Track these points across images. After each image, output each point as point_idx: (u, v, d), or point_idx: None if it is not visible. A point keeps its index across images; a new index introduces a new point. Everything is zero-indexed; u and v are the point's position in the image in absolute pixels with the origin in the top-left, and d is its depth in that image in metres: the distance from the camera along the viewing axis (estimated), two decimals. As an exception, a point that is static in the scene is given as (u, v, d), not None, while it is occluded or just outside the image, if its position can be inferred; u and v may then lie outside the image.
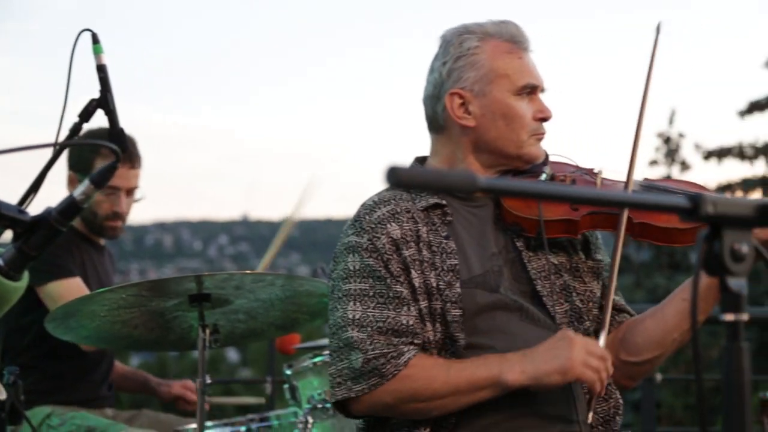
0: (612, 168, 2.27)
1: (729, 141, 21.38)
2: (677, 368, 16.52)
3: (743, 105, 20.95)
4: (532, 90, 2.19)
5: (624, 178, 2.21)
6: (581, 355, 1.98)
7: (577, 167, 2.29)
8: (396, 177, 1.02)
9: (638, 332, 2.18)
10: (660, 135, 22.17)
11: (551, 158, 2.26)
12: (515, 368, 1.99)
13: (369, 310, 2.06)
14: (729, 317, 1.15)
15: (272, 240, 4.18)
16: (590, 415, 2.10)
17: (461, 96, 2.17)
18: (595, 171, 2.28)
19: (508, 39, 2.19)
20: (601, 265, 2.25)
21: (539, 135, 2.20)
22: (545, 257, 2.16)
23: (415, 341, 2.05)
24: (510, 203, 2.16)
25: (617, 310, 2.25)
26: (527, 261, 2.15)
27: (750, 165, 20.98)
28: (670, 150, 22.05)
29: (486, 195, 2.21)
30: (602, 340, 2.12)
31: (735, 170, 20.48)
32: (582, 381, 2.02)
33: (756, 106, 20.70)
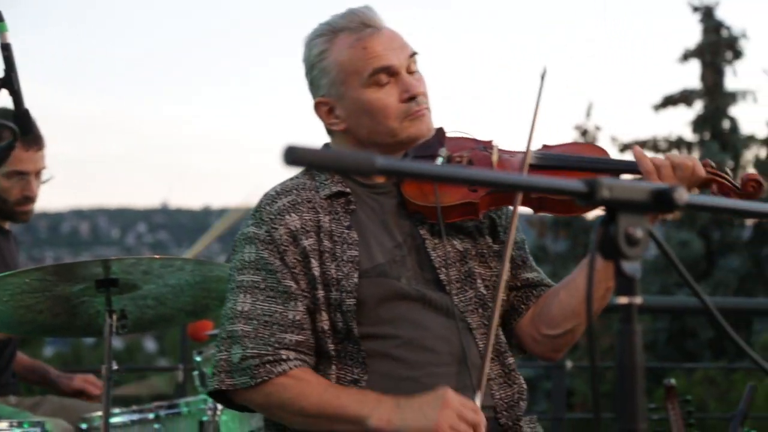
0: (509, 139, 2.26)
1: (644, 134, 21.84)
2: (588, 357, 16.77)
3: (658, 99, 21.40)
4: (389, 72, 2.12)
5: (522, 148, 2.21)
6: (452, 419, 1.95)
7: (475, 141, 2.28)
8: (293, 156, 1.00)
9: (554, 305, 2.19)
10: (577, 127, 22.52)
11: (449, 134, 2.24)
12: (384, 416, 1.98)
13: (258, 302, 2.06)
14: (623, 300, 1.17)
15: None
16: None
17: (326, 103, 2.17)
18: (493, 144, 2.27)
19: (353, 29, 2.14)
20: (506, 245, 2.25)
21: (413, 114, 2.14)
22: (450, 244, 2.16)
23: (299, 349, 2.05)
24: (408, 192, 2.16)
25: (534, 285, 2.27)
26: (431, 249, 2.15)
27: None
28: (587, 142, 22.41)
29: (385, 177, 2.20)
30: (478, 401, 2.06)
31: (650, 163, 20.87)
32: None
33: (670, 101, 21.16)
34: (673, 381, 3.41)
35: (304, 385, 2.03)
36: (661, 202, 1.18)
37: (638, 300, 1.16)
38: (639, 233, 1.17)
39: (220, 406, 2.77)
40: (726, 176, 2.07)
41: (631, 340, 1.16)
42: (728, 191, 2.07)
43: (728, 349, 17.35)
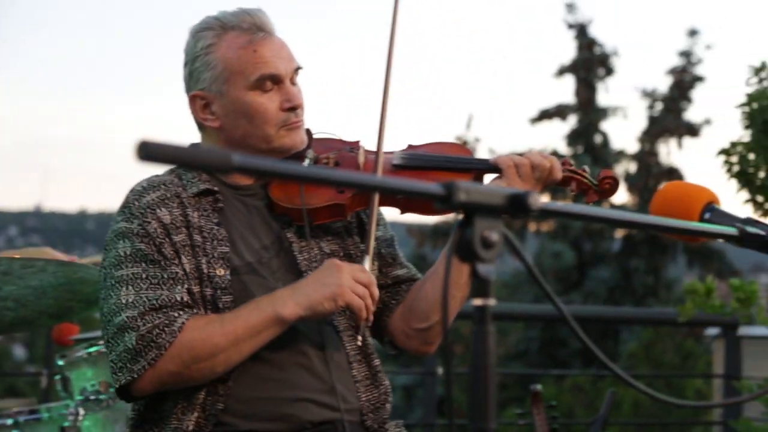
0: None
1: (520, 146, 22.30)
2: (465, 363, 17.03)
3: (534, 113, 21.90)
4: (275, 80, 2.13)
5: (390, 148, 2.23)
6: (348, 281, 2.03)
7: (342, 142, 2.29)
8: (146, 151, 0.99)
9: (421, 298, 2.22)
10: (458, 139, 22.86)
11: (316, 135, 2.24)
12: (288, 303, 2.01)
13: (142, 292, 2.02)
14: (478, 302, 1.19)
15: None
16: (359, 338, 2.15)
17: (203, 97, 2.14)
18: (360, 145, 2.28)
19: (246, 29, 2.13)
20: (377, 243, 2.27)
21: (291, 125, 2.15)
22: (317, 246, 2.17)
23: (187, 309, 2.03)
24: (275, 194, 2.15)
25: (404, 281, 2.29)
26: (297, 252, 2.16)
27: (539, 171, 21.91)
28: (452, 142, 22.70)
29: (252, 179, 2.20)
30: (367, 264, 2.14)
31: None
32: (350, 306, 2.05)
33: (545, 114, 21.68)
34: (539, 387, 3.48)
35: (203, 328, 2.00)
36: (516, 206, 1.20)
37: (492, 302, 1.19)
38: (494, 236, 1.19)
39: (82, 411, 2.69)
40: (583, 174, 2.13)
41: (485, 342, 1.18)
42: (586, 189, 2.13)
43: (597, 358, 17.81)
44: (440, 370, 4.90)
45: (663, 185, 1.65)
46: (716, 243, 21.15)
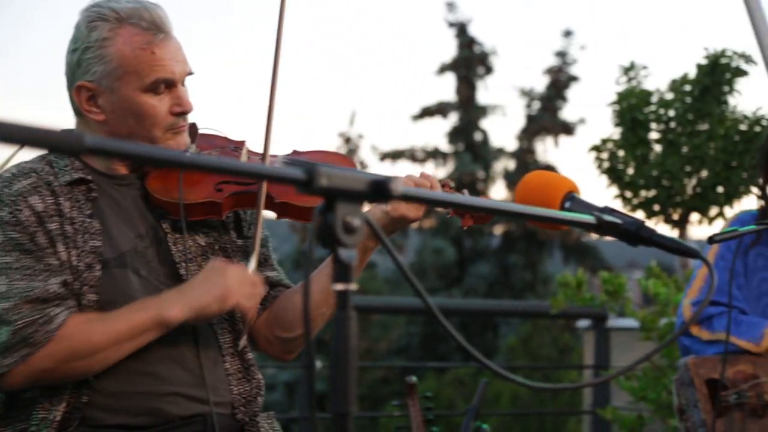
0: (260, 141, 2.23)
1: (403, 144, 22.51)
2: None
3: (416, 110, 22.12)
4: (168, 84, 2.09)
5: (276, 151, 2.23)
6: (235, 283, 2.02)
7: (227, 140, 2.27)
8: (-7, 131, 0.96)
9: (289, 308, 2.21)
10: (341, 135, 22.90)
11: (201, 131, 2.22)
12: (174, 305, 1.99)
13: (14, 282, 1.96)
14: (339, 287, 1.19)
15: None
16: (244, 338, 2.14)
17: (89, 89, 2.08)
18: (245, 145, 2.26)
19: (145, 27, 2.07)
20: (253, 242, 2.25)
21: (177, 129, 2.12)
22: (192, 239, 2.15)
23: (66, 303, 1.98)
24: (152, 186, 2.12)
25: (273, 284, 2.27)
26: (172, 243, 2.12)
27: (421, 167, 22.21)
28: (350, 150, 22.85)
29: (128, 169, 2.16)
30: (252, 264, 2.14)
31: (408, 172, 21.70)
32: (238, 308, 2.05)
33: (427, 112, 21.94)
34: (414, 379, 3.51)
35: (84, 325, 1.96)
36: (377, 191, 1.21)
37: (354, 287, 1.19)
38: (356, 222, 1.20)
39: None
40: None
41: (347, 326, 1.18)
42: (463, 213, 2.14)
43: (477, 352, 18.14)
44: (318, 364, 4.90)
45: (526, 175, 1.68)
46: (591, 239, 21.78)
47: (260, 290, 2.08)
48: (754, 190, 2.85)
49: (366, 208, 1.23)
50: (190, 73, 2.15)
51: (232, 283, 2.02)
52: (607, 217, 1.52)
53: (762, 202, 2.79)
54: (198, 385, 2.06)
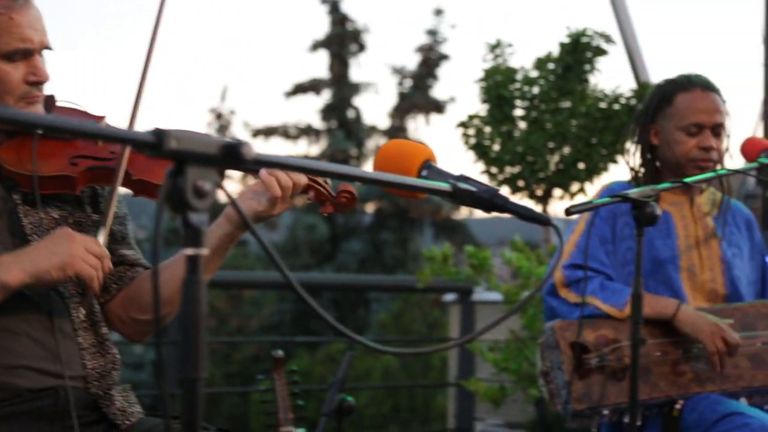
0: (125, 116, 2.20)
1: (276, 120, 22.38)
2: (218, 334, 16.99)
3: (289, 87, 22.00)
4: (26, 53, 2.03)
5: (140, 129, 2.18)
6: (80, 251, 1.97)
7: (86, 115, 2.22)
8: None
9: (146, 290, 2.16)
10: (212, 110, 22.60)
11: (59, 104, 2.16)
12: (12, 268, 1.92)
13: None
14: (189, 251, 1.17)
15: None
16: (82, 309, 2.08)
17: None
18: (106, 120, 2.21)
19: None
20: (106, 217, 2.19)
21: (31, 98, 2.06)
22: (44, 211, 2.08)
23: None
24: (4, 157, 2.05)
25: (129, 263, 2.23)
26: (23, 215, 2.06)
27: (293, 144, 22.13)
28: (222, 126, 22.59)
29: None
30: (101, 237, 2.09)
31: (280, 149, 21.59)
32: (81, 276, 1.99)
33: (300, 89, 21.84)
34: (280, 353, 3.51)
35: None
36: (229, 156, 1.20)
37: (204, 251, 1.17)
38: (207, 186, 1.18)
39: None
40: (323, 185, 2.13)
41: (196, 291, 1.17)
42: (324, 199, 2.13)
43: (349, 328, 18.25)
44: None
45: (384, 144, 1.69)
46: (461, 216, 22.14)
47: (107, 263, 2.02)
48: (626, 155, 2.94)
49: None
50: (48, 47, 2.08)
51: (76, 252, 1.96)
52: (462, 185, 1.54)
53: (633, 173, 2.89)
54: (50, 359, 2.01)
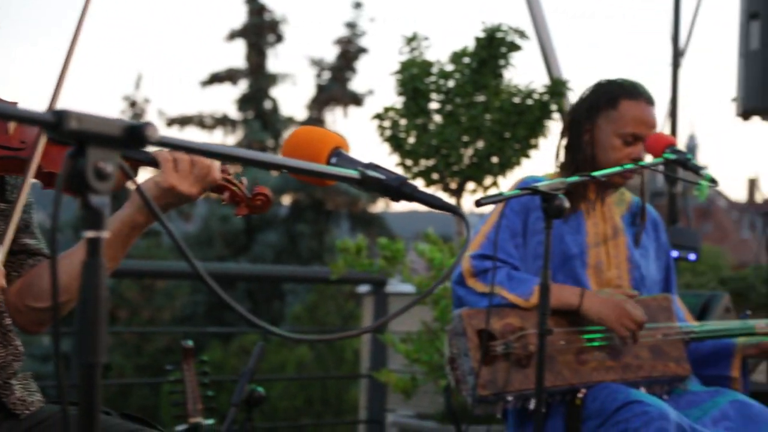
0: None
1: (191, 110, 22.08)
2: (130, 325, 16.74)
3: (205, 76, 21.76)
4: None
5: None
6: None
7: None
8: None
9: (44, 277, 2.10)
10: (126, 98, 22.24)
11: None
12: None
13: None
14: (90, 234, 1.15)
15: None
16: None
17: None
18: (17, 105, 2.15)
19: None
20: (13, 207, 2.14)
21: None
22: None
23: None
24: None
25: (31, 253, 2.17)
26: None
27: (209, 134, 21.90)
28: (136, 114, 22.23)
29: None
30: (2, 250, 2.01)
31: (196, 138, 21.37)
32: None
33: (216, 78, 21.61)
34: (190, 343, 3.48)
35: None
36: (132, 137, 1.17)
37: (105, 234, 1.15)
38: (109, 168, 1.16)
39: None
40: (239, 186, 2.10)
41: (96, 274, 1.14)
42: (239, 201, 2.10)
43: (263, 320, 18.18)
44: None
45: (294, 130, 1.68)
46: (378, 210, 22.18)
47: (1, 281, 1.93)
48: (553, 149, 2.96)
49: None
50: None
51: None
52: (371, 173, 1.54)
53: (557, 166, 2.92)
54: None
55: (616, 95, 2.85)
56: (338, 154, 1.62)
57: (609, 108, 2.84)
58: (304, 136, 1.64)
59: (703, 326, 2.86)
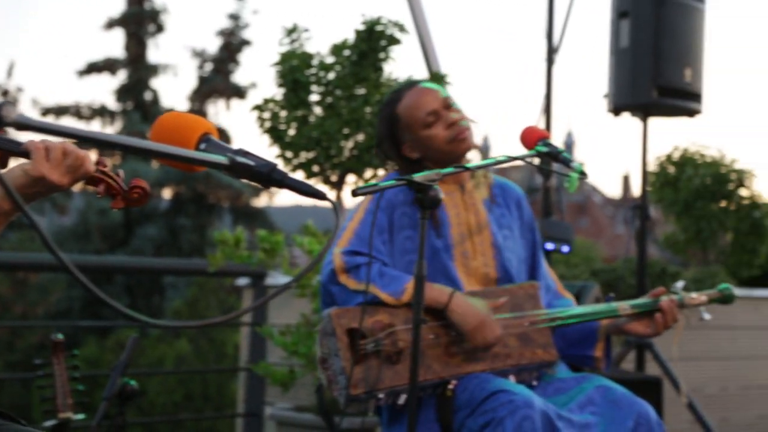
0: None
1: (67, 100, 21.50)
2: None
3: (82, 65, 21.22)
4: None
5: None
6: None
7: None
8: None
9: None
10: (-2, 87, 21.48)
11: None
12: None
13: None
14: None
15: None
16: None
17: None
18: None
19: None
20: None
21: None
22: None
23: None
24: None
25: None
26: None
27: (86, 125, 21.37)
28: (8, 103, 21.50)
29: None
30: None
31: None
32: None
33: (94, 68, 21.10)
34: (60, 336, 3.38)
35: None
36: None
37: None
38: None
39: None
40: (115, 179, 2.04)
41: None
42: (115, 194, 2.05)
43: (143, 315, 17.84)
44: None
45: (162, 115, 1.64)
46: (261, 204, 22.02)
47: None
48: (389, 161, 2.94)
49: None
50: None
51: None
52: (241, 159, 1.52)
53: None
54: None
55: (390, 111, 2.88)
56: (207, 140, 1.60)
57: (396, 124, 2.86)
58: (172, 121, 1.62)
59: (567, 311, 2.92)
